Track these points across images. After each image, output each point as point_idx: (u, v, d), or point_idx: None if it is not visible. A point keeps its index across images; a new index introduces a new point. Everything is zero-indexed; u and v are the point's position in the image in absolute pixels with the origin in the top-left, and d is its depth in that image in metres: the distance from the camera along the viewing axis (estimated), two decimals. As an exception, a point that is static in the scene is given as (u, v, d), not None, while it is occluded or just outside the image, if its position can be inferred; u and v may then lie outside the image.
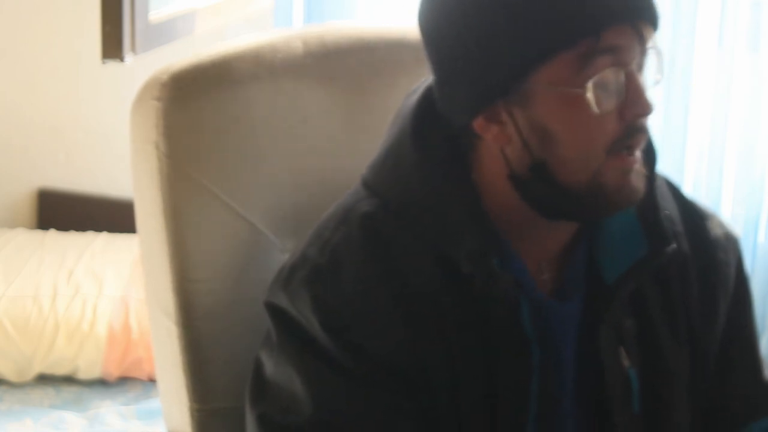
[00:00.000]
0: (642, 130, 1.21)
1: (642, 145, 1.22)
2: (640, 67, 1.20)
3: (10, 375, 2.81)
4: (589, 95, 1.16)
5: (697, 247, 1.34)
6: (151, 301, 1.46)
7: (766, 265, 2.79)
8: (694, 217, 1.36)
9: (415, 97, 1.29)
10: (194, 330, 1.41)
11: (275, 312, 1.26)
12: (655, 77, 1.22)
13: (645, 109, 1.19)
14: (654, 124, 2.79)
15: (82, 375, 2.82)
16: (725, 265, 1.37)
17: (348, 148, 1.38)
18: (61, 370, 2.82)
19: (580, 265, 1.30)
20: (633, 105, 1.18)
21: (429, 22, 1.23)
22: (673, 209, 1.34)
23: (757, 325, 1.43)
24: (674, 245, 1.28)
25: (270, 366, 1.26)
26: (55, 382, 2.83)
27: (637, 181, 1.22)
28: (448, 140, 1.25)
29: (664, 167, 2.73)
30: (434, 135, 1.25)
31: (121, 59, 1.95)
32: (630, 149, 1.20)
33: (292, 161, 1.46)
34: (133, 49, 1.96)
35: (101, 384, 2.82)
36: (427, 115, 1.26)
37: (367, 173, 1.30)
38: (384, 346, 1.21)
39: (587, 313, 1.28)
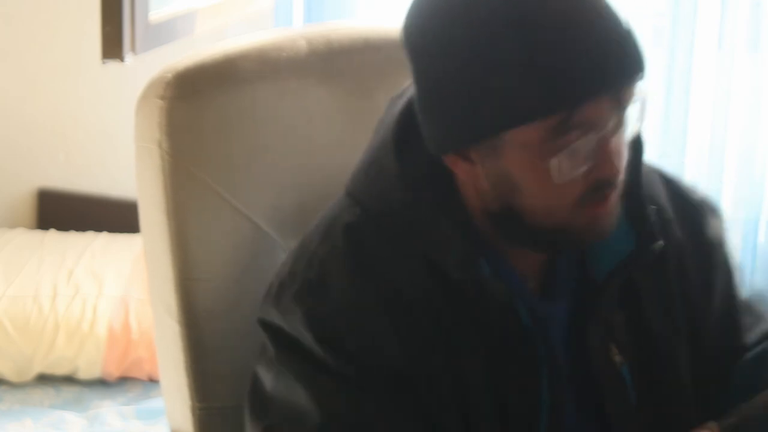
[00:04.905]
0: (612, 185, 1.19)
1: (615, 195, 1.21)
2: (618, 124, 1.17)
3: (10, 375, 2.81)
4: (555, 167, 1.15)
5: (690, 232, 1.35)
6: (154, 300, 1.46)
7: (766, 265, 2.79)
8: (685, 203, 1.37)
9: (399, 105, 1.28)
10: (196, 329, 1.42)
11: (269, 329, 1.27)
12: (634, 126, 1.20)
13: (612, 174, 1.18)
14: (654, 124, 2.80)
15: (82, 375, 2.82)
16: (719, 246, 1.39)
17: (352, 147, 1.38)
18: (61, 370, 2.82)
19: (567, 266, 1.30)
20: (600, 169, 1.17)
21: (419, 46, 1.20)
22: (663, 198, 1.34)
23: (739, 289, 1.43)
24: (661, 242, 1.28)
25: (269, 380, 1.26)
26: (55, 382, 2.83)
27: (607, 221, 1.21)
28: (431, 154, 1.24)
29: (664, 168, 2.74)
30: (417, 146, 1.24)
31: (121, 59, 1.96)
32: (600, 199, 1.20)
33: (295, 160, 1.46)
34: (133, 49, 1.96)
35: (101, 384, 2.82)
36: (411, 125, 1.25)
37: (350, 182, 1.30)
38: (380, 354, 1.22)
39: (577, 313, 1.29)
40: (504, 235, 1.24)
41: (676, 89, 2.73)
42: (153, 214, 1.42)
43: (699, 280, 1.35)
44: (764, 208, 2.78)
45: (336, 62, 1.49)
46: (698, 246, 1.36)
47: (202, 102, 1.40)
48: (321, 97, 1.47)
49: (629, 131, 1.20)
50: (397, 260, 1.24)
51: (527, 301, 1.25)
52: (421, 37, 1.20)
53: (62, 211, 3.34)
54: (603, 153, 1.16)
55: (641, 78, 1.17)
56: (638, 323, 1.31)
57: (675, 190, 1.38)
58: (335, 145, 1.48)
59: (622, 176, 1.20)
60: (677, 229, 1.34)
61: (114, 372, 2.81)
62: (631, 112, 1.18)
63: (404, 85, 1.31)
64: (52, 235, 3.23)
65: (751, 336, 1.40)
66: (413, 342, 1.22)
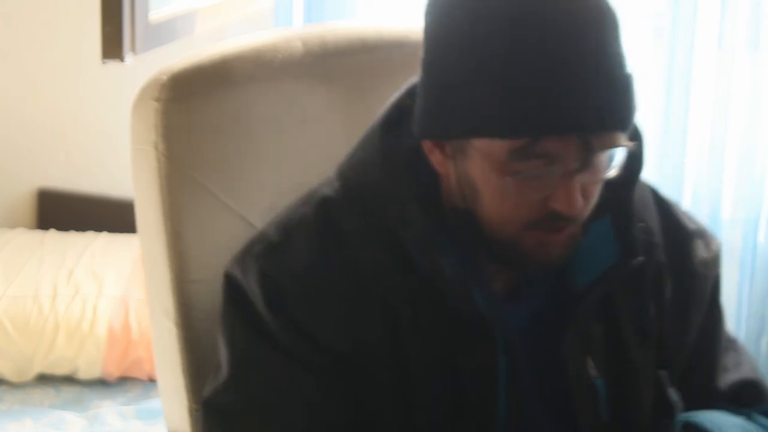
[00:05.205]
0: (567, 220, 1.18)
1: (571, 230, 1.20)
2: (586, 165, 1.16)
3: (10, 375, 2.81)
4: (508, 185, 1.16)
5: (675, 258, 1.34)
6: (152, 302, 1.46)
7: (766, 265, 2.79)
8: (675, 228, 1.36)
9: (399, 90, 1.30)
10: (194, 330, 1.42)
11: (228, 282, 1.29)
12: (612, 170, 1.19)
13: (569, 211, 1.17)
14: (654, 124, 2.80)
15: (82, 375, 2.82)
16: (703, 278, 1.37)
17: (347, 148, 1.38)
18: (61, 370, 2.82)
19: (542, 273, 1.29)
20: (558, 202, 1.17)
21: (429, 28, 1.22)
22: (653, 220, 1.34)
23: (724, 344, 1.42)
24: (641, 258, 1.28)
25: (218, 343, 1.29)
26: (55, 382, 2.83)
27: (557, 252, 1.21)
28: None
29: (664, 168, 2.74)
30: (407, 130, 1.25)
31: (121, 59, 1.95)
32: (553, 229, 1.19)
33: (291, 161, 1.46)
34: (133, 49, 1.96)
35: (101, 384, 2.82)
36: (405, 108, 1.27)
37: (342, 160, 1.32)
38: (325, 328, 1.23)
39: (553, 320, 1.28)
40: (464, 235, 1.24)
41: (676, 89, 2.73)
42: (150, 215, 1.42)
43: (674, 309, 1.34)
44: (764, 208, 2.78)
45: (331, 63, 1.49)
46: (680, 274, 1.35)
47: (197, 104, 1.40)
48: (316, 98, 1.47)
49: (606, 173, 1.19)
50: (363, 236, 1.25)
51: (483, 293, 1.25)
52: (431, 19, 1.21)
53: (62, 211, 3.34)
54: (564, 188, 1.16)
55: (619, 131, 1.16)
56: (614, 338, 1.30)
57: (668, 214, 1.37)
58: (331, 145, 1.47)
59: (582, 215, 1.19)
60: (662, 253, 1.33)
61: (114, 372, 2.81)
62: (616, 155, 1.18)
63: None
64: (52, 235, 3.24)
65: (725, 380, 1.40)
66: (362, 324, 1.23)
